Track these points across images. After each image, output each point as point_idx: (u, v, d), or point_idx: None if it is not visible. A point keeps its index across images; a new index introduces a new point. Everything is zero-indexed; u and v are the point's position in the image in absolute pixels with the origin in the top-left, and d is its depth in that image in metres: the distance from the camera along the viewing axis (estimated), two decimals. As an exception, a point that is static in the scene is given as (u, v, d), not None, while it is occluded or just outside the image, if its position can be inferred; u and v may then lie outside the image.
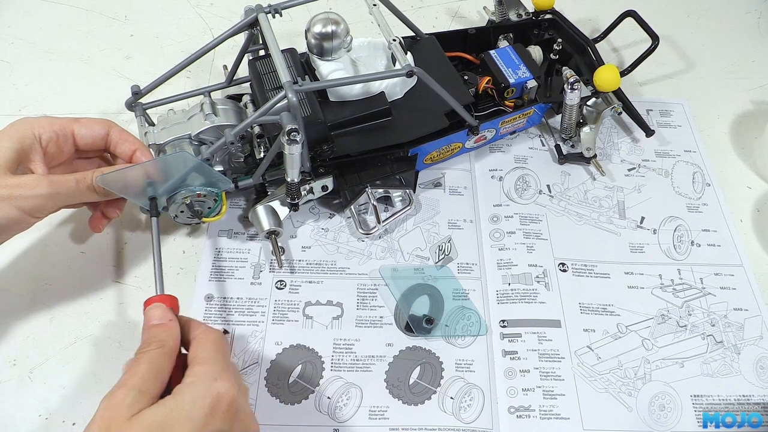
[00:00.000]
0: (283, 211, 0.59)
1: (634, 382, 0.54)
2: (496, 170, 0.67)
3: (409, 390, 0.53)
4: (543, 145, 0.70)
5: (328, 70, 0.58)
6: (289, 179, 0.54)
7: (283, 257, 0.59)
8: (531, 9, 0.72)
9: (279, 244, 0.59)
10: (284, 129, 0.49)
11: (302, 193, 0.58)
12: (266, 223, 0.57)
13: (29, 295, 0.56)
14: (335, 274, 0.59)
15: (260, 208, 0.58)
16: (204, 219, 0.57)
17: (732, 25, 0.85)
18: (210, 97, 0.58)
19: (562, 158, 0.68)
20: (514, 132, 0.69)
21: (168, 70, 0.59)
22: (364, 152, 0.59)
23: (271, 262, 0.59)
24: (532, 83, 0.65)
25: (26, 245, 0.59)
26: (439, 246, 0.61)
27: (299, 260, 0.60)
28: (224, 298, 0.57)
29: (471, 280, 0.59)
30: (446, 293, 0.58)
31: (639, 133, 0.71)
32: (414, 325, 0.56)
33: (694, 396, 0.54)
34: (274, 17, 0.58)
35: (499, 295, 0.58)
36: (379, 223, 0.60)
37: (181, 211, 0.55)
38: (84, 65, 0.75)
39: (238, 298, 0.57)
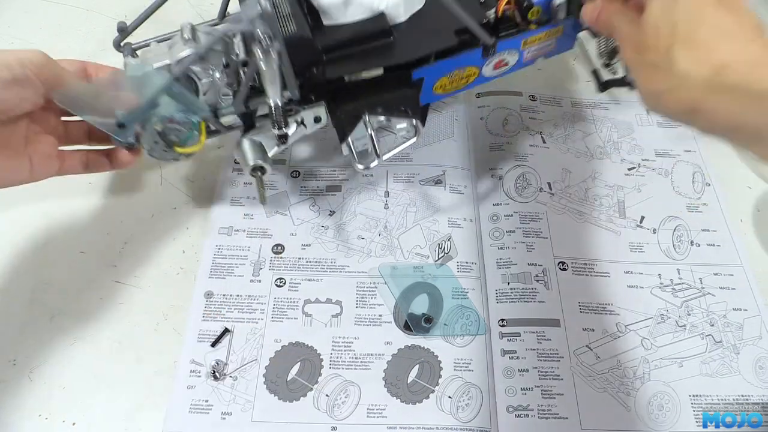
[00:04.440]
0: (271, 146, 0.54)
1: (633, 382, 0.54)
2: (496, 169, 0.67)
3: (407, 389, 0.53)
4: (544, 143, 0.70)
5: None
6: (271, 102, 0.49)
7: (266, 194, 0.55)
8: None
9: (265, 185, 0.55)
10: (255, 34, 0.45)
11: (293, 124, 0.53)
12: (251, 158, 0.52)
13: (29, 295, 0.56)
14: (334, 272, 0.59)
15: (245, 142, 0.53)
16: (179, 149, 0.51)
17: (733, 24, 0.85)
18: (191, 24, 0.52)
19: (602, 86, 0.60)
20: (544, 57, 0.59)
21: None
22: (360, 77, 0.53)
23: (271, 260, 0.59)
24: None
25: (26, 245, 0.59)
26: (438, 244, 0.61)
27: (299, 258, 0.60)
28: (224, 295, 0.57)
29: (470, 279, 0.59)
30: (445, 292, 0.58)
31: (639, 132, 0.70)
32: (413, 324, 0.56)
33: (693, 396, 0.54)
34: None
35: (499, 294, 0.58)
36: (378, 156, 0.54)
37: (155, 142, 0.50)
38: (84, 64, 0.75)
39: (237, 296, 0.57)
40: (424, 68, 0.54)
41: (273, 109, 0.49)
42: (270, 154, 0.53)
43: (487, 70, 0.57)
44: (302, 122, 0.54)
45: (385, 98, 0.54)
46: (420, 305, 0.57)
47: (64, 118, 0.52)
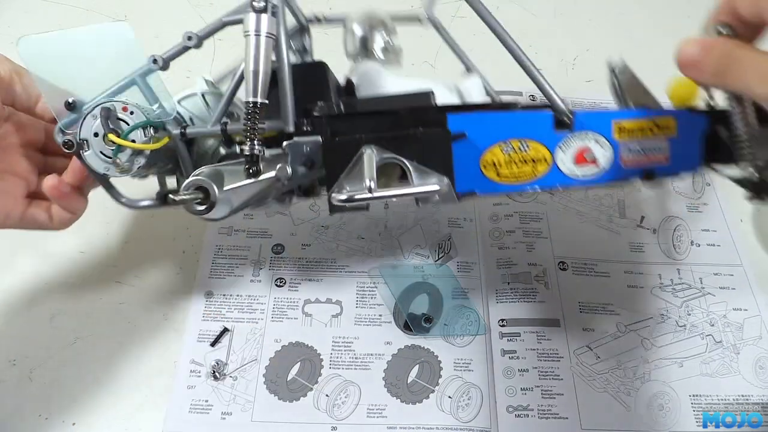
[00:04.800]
0: (237, 179, 0.39)
1: (633, 382, 0.54)
2: (496, 169, 0.67)
3: (407, 389, 0.53)
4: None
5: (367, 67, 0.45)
6: (249, 98, 0.37)
7: (177, 199, 0.36)
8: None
9: (200, 208, 0.37)
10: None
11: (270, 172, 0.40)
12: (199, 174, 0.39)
13: (29, 295, 0.56)
14: (335, 272, 0.59)
15: (205, 168, 0.39)
16: (112, 137, 0.40)
17: (733, 24, 0.85)
18: (210, 80, 0.47)
19: (759, 189, 0.41)
20: (647, 173, 0.42)
21: None
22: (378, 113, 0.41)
23: (271, 260, 0.59)
24: None
25: (26, 245, 0.59)
26: (438, 244, 0.61)
27: (299, 258, 0.60)
28: (224, 295, 0.57)
29: (470, 279, 0.59)
30: (445, 292, 0.58)
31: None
32: (413, 324, 0.56)
33: (693, 396, 0.54)
34: None
35: (499, 294, 0.58)
36: (369, 191, 0.37)
37: (95, 134, 0.41)
38: (84, 64, 0.75)
39: (237, 296, 0.57)
40: (467, 116, 0.40)
41: (249, 111, 0.37)
42: (228, 188, 0.38)
43: (565, 160, 0.41)
44: (281, 175, 0.40)
45: (403, 134, 0.40)
46: (420, 305, 0.57)
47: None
